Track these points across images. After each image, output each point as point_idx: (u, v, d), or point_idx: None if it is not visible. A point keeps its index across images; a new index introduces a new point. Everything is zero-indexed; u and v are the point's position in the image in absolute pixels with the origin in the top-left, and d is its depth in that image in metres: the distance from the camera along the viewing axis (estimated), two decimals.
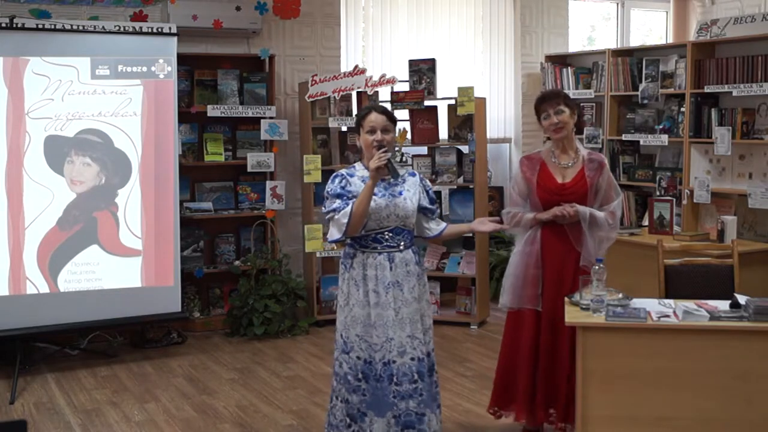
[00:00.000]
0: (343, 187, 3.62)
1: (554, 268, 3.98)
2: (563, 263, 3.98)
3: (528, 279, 4.01)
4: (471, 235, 6.23)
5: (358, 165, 3.73)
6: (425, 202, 3.75)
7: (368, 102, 6.26)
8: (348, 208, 3.54)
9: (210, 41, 6.38)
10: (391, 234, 3.62)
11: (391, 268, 3.60)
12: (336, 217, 3.57)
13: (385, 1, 6.99)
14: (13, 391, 4.87)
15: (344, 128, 6.46)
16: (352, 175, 3.67)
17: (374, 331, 3.60)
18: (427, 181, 3.86)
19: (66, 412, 4.66)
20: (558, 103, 3.98)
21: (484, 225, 3.82)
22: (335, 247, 6.00)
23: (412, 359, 3.61)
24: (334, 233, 3.61)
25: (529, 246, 4.03)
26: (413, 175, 3.79)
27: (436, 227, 3.82)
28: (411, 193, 3.68)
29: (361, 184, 3.60)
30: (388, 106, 6.38)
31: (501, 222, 3.95)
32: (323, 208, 3.69)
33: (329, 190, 3.65)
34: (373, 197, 3.57)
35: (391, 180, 3.66)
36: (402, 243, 3.64)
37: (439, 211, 3.83)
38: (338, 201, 3.59)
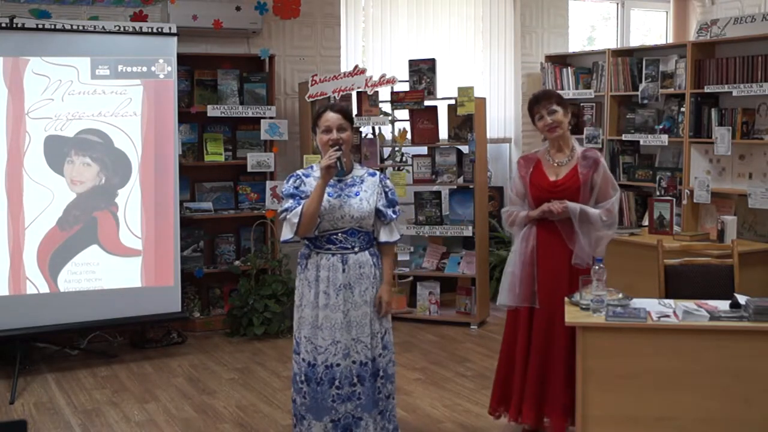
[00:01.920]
0: (296, 188, 3.60)
1: (548, 265, 3.99)
2: (558, 261, 3.98)
3: (524, 277, 4.03)
4: (471, 234, 6.25)
5: (315, 165, 3.69)
6: (380, 204, 3.66)
7: (368, 102, 6.27)
8: (299, 208, 3.52)
9: (210, 41, 6.38)
10: (345, 235, 3.58)
11: (343, 270, 3.57)
12: (288, 216, 3.55)
13: (385, 1, 6.98)
14: (13, 391, 4.87)
15: None
16: (308, 176, 3.64)
17: (320, 333, 3.57)
18: (388, 181, 3.77)
19: (66, 412, 4.66)
20: (550, 104, 3.99)
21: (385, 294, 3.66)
22: None
23: (354, 362, 3.58)
24: (286, 233, 3.59)
25: (523, 243, 4.06)
26: (373, 174, 3.71)
27: (385, 237, 3.68)
28: (368, 194, 3.63)
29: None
30: (388, 106, 6.41)
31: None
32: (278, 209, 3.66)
33: (283, 190, 3.64)
34: (327, 198, 3.53)
35: (348, 180, 3.62)
36: (357, 245, 3.60)
37: (396, 216, 3.70)
38: (291, 201, 3.57)
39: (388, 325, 3.72)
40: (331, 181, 3.56)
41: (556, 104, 4.00)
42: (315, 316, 3.59)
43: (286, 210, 3.57)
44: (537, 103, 4.03)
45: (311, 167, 3.71)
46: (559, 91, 5.71)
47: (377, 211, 3.65)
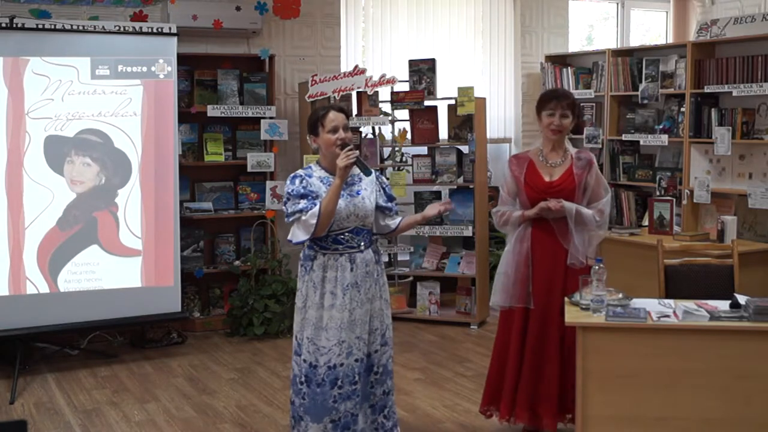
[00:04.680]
0: (305, 187, 3.57)
1: (544, 265, 3.99)
2: (553, 261, 3.98)
3: (518, 277, 4.02)
4: (471, 234, 6.25)
5: (314, 166, 3.68)
6: (382, 201, 3.72)
7: (368, 102, 6.26)
8: (316, 209, 3.48)
9: (210, 41, 6.38)
10: (350, 234, 3.60)
11: (351, 269, 3.59)
12: (303, 218, 3.50)
13: (385, 1, 6.99)
14: (13, 391, 4.87)
15: None
16: (310, 176, 3.63)
17: (324, 333, 3.57)
18: (383, 178, 3.82)
19: (66, 412, 4.66)
20: (566, 107, 3.98)
21: (433, 209, 3.73)
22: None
23: (356, 360, 3.61)
24: (300, 235, 3.54)
25: (518, 244, 4.04)
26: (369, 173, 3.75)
27: (392, 223, 3.78)
28: (368, 192, 3.65)
29: (320, 185, 3.58)
30: (388, 106, 6.41)
31: (449, 203, 3.91)
32: (285, 209, 3.60)
33: (291, 190, 3.57)
34: None
35: (348, 180, 3.58)
36: (362, 243, 3.62)
37: (396, 207, 3.80)
38: (303, 201, 3.52)
39: (388, 322, 3.75)
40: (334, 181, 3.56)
41: (569, 109, 3.99)
42: (319, 317, 3.59)
43: (300, 211, 3.51)
44: (555, 99, 3.99)
45: (309, 167, 3.70)
46: None
47: (381, 208, 3.71)
